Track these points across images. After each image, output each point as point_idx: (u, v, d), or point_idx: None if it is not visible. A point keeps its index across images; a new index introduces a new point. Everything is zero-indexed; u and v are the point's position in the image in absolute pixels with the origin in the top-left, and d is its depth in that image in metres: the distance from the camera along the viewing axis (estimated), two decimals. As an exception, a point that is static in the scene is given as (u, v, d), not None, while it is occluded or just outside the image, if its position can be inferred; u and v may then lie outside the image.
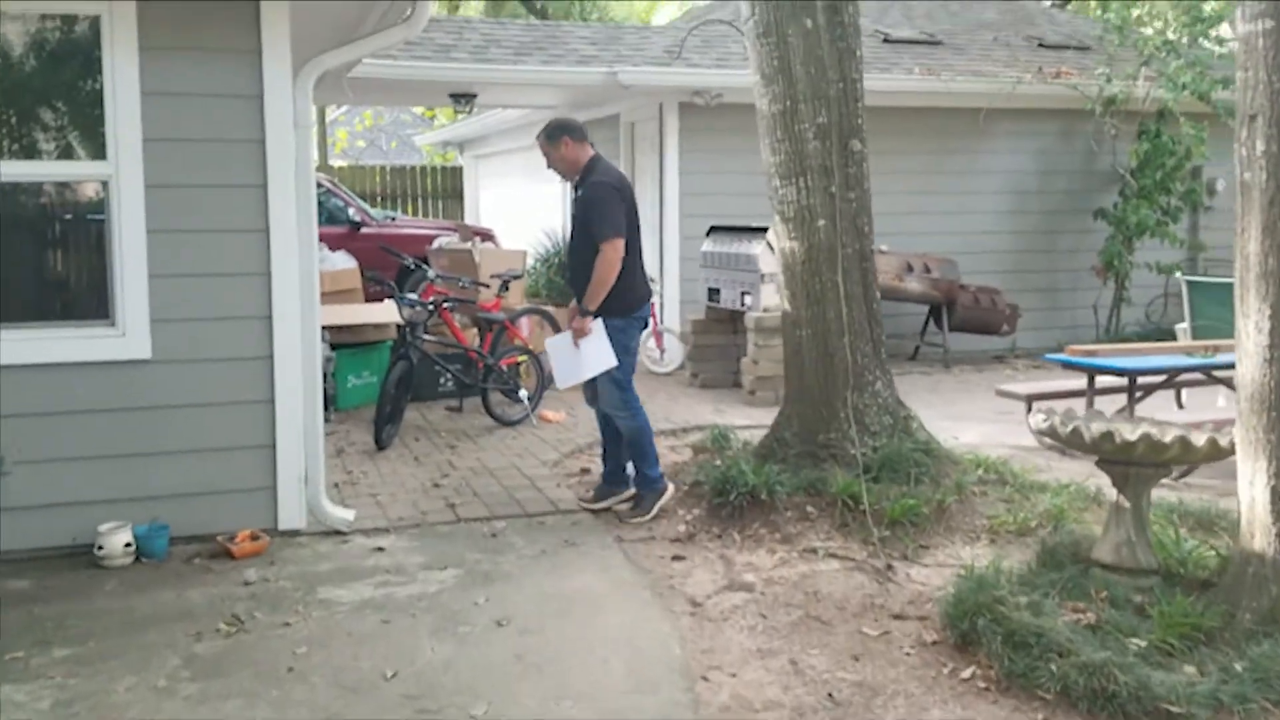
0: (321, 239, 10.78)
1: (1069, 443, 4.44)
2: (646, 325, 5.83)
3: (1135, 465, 4.38)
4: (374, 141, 25.33)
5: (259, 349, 5.26)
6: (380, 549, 5.27)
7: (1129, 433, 4.27)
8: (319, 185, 12.76)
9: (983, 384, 10.01)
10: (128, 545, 5.03)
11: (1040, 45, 12.14)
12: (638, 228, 5.60)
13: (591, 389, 5.79)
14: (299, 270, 5.31)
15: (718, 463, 6.21)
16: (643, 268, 5.74)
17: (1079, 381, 7.47)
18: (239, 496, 5.32)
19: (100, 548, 4.99)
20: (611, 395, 5.67)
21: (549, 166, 5.65)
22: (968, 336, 10.96)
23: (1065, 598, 4.22)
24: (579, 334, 5.53)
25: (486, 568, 5.00)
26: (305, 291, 5.39)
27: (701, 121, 10.35)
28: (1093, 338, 11.54)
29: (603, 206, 5.42)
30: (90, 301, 5.13)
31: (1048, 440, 7.30)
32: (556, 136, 5.55)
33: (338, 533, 5.47)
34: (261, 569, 4.98)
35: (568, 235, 5.71)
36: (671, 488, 5.80)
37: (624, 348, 5.59)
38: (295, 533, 5.41)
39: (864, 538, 5.18)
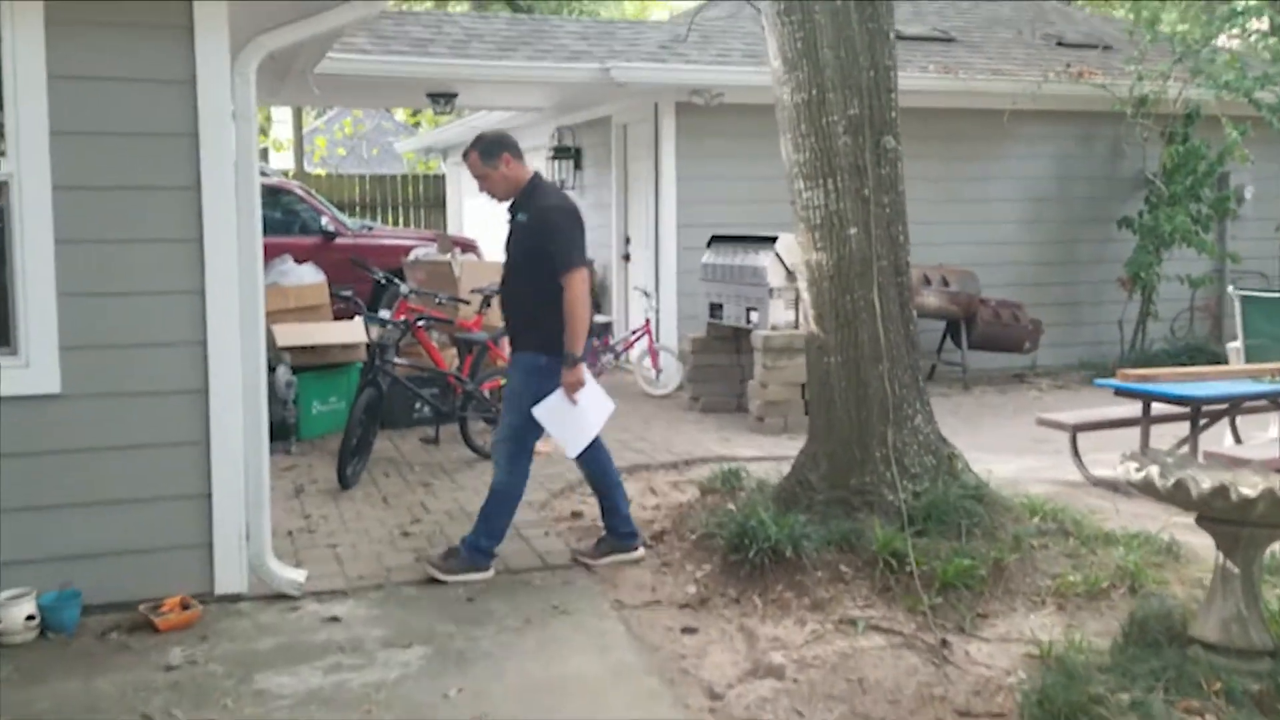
0: (292, 250, 10.04)
1: (1170, 498, 3.64)
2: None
3: (1250, 526, 3.59)
4: (354, 150, 24.48)
5: (191, 381, 4.43)
6: (335, 619, 4.43)
7: (1249, 488, 3.47)
8: (289, 192, 11.97)
9: (1008, 407, 9.23)
10: (30, 618, 4.20)
11: (1059, 44, 11.40)
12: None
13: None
14: (239, 287, 4.48)
15: (730, 507, 5.39)
16: None
17: (1126, 408, 6.68)
18: (167, 556, 4.49)
19: (-3, 621, 4.15)
20: (505, 435, 4.92)
21: (481, 189, 4.90)
22: (985, 354, 10.18)
23: (1172, 691, 3.42)
24: (574, 388, 4.74)
25: (460, 644, 4.17)
26: (247, 312, 4.56)
27: (700, 123, 9.56)
28: (1117, 355, 10.79)
29: (564, 234, 4.73)
30: (-15, 325, 4.30)
31: (1097, 475, 6.62)
32: (494, 153, 4.81)
33: (286, 597, 4.63)
34: (190, 647, 4.14)
35: (506, 263, 4.94)
36: (491, 573, 4.87)
37: (542, 389, 4.77)
38: (235, 598, 4.57)
39: (911, 605, 4.36)
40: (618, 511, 5.10)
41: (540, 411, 4.75)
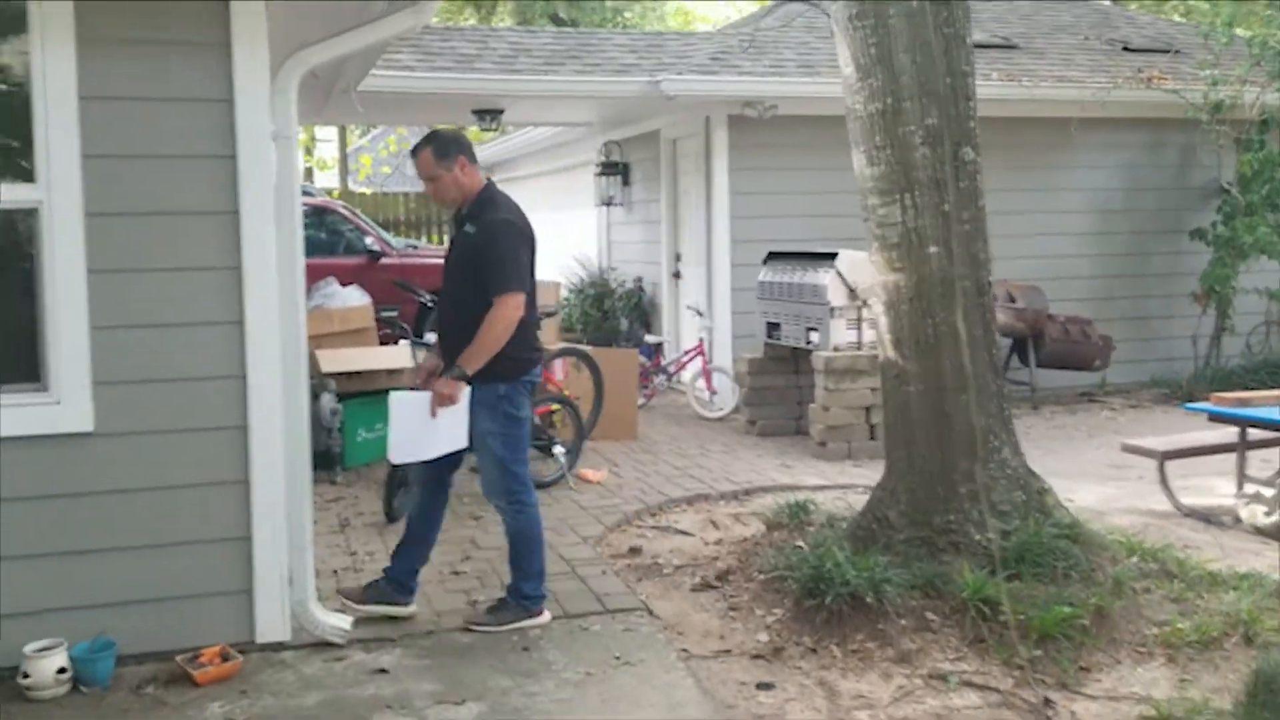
0: (337, 271, 9.84)
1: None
2: (534, 388, 4.65)
3: (1402, 578, 3.20)
4: (399, 168, 24.39)
5: (230, 416, 4.17)
6: (383, 670, 4.14)
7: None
8: (333, 212, 11.79)
9: (1080, 429, 8.81)
10: (61, 671, 3.94)
11: (1125, 49, 10.96)
12: (534, 274, 4.53)
13: (436, 466, 4.54)
14: (280, 317, 4.22)
15: (800, 545, 5.06)
16: (536, 323, 4.71)
17: (1217, 433, 6.27)
18: (206, 603, 4.22)
19: (27, 675, 3.90)
20: (493, 478, 4.49)
21: (434, 194, 4.49)
22: (1051, 372, 9.75)
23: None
24: (444, 401, 4.30)
25: (517, 701, 3.86)
26: (289, 343, 4.29)
27: (754, 137, 9.24)
28: (1191, 371, 10.31)
29: (504, 252, 4.31)
30: (14, 361, 4.05)
31: (1188, 505, 6.20)
32: (450, 154, 4.37)
33: (330, 645, 4.35)
34: (229, 702, 3.87)
35: (446, 278, 4.55)
36: (547, 616, 4.55)
37: (510, 417, 4.44)
38: (277, 646, 4.30)
39: (1006, 658, 4.00)
40: (532, 570, 4.57)
41: (396, 400, 4.44)
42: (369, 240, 11.40)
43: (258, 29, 4.05)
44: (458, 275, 4.45)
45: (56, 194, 3.94)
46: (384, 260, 11.30)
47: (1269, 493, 3.17)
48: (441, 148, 4.39)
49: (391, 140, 24.86)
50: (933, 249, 4.56)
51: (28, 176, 3.94)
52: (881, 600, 4.27)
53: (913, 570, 4.41)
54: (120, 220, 4.02)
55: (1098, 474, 7.11)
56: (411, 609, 4.59)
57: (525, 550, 4.55)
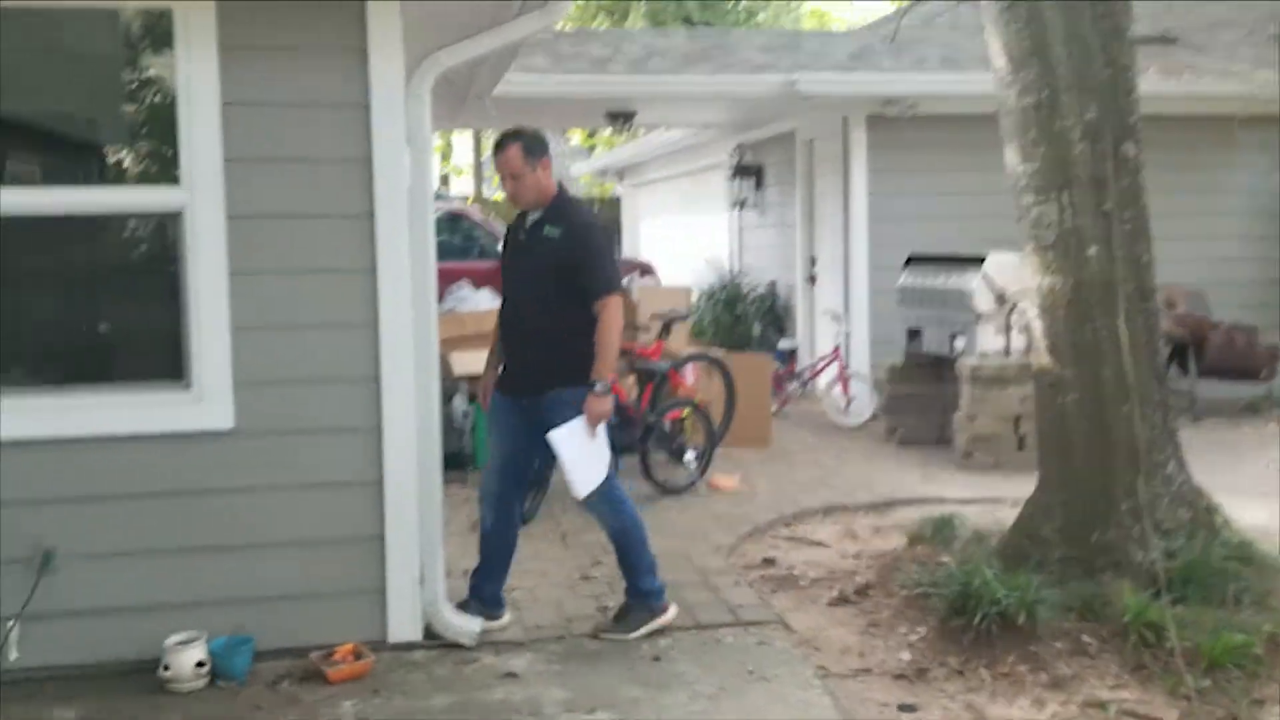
0: (469, 275, 9.97)
1: None
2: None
3: None
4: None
5: (364, 417, 4.18)
6: (512, 674, 4.09)
7: None
8: (467, 217, 11.97)
9: (1245, 443, 8.26)
10: (200, 665, 4.00)
11: (1295, 40, 10.26)
12: None
13: (502, 485, 4.50)
14: (414, 320, 4.21)
15: (945, 561, 4.83)
16: None
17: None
18: (340, 601, 4.24)
19: (167, 667, 3.97)
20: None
21: (514, 193, 4.32)
22: (1212, 382, 9.17)
23: None
24: (600, 419, 4.22)
25: (648, 713, 3.75)
26: (422, 345, 4.29)
27: (893, 136, 8.96)
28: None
29: (601, 254, 4.32)
30: (159, 359, 4.16)
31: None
32: (536, 153, 4.26)
33: (461, 647, 4.32)
34: (362, 701, 3.87)
35: (515, 282, 4.42)
36: (674, 611, 4.45)
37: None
38: (409, 646, 4.29)
39: (1171, 688, 3.71)
40: (643, 564, 4.48)
41: (558, 437, 4.22)
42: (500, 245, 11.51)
43: (393, 32, 4.06)
44: (533, 279, 4.31)
45: (200, 197, 4.00)
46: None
47: None
48: (529, 145, 4.26)
49: (526, 147, 25.23)
50: (1092, 250, 4.29)
51: (173, 179, 4.02)
52: (1034, 622, 4.02)
53: (1068, 591, 4.15)
54: (260, 223, 4.07)
55: (1265, 490, 6.62)
56: (505, 619, 4.54)
57: (632, 546, 4.48)
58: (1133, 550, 4.20)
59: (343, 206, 4.10)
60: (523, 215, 4.41)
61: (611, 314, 4.21)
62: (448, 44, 4.24)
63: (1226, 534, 4.38)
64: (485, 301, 8.30)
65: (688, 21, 18.32)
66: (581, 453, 4.26)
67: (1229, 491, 6.22)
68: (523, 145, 4.23)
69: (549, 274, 4.26)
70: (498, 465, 4.49)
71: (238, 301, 4.06)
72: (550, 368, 4.27)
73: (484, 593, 4.53)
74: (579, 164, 20.98)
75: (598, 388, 4.20)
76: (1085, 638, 4.01)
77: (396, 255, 4.14)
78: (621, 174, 17.31)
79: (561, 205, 4.34)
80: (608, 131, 10.73)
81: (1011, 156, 4.53)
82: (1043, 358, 4.48)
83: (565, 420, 4.22)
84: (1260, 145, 9.67)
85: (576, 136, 26.64)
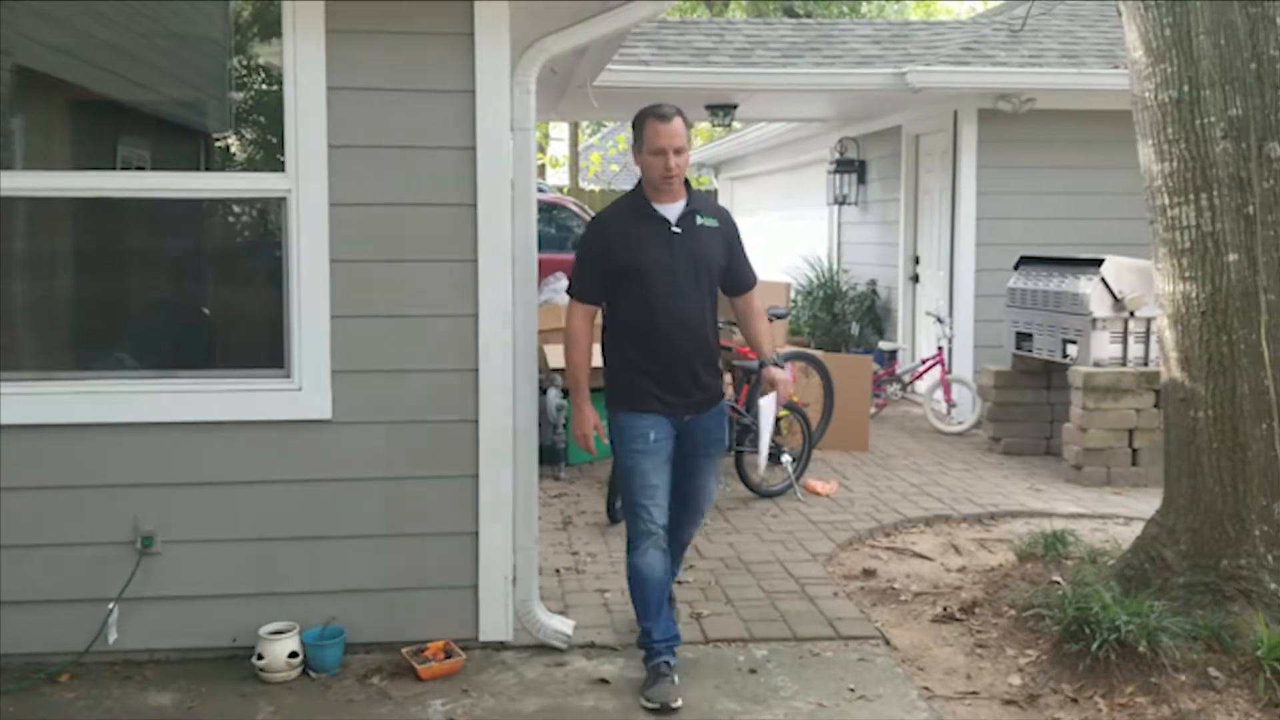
0: (565, 267, 9.85)
1: None
2: None
3: None
4: (627, 165, 24.63)
5: (461, 409, 4.11)
6: (604, 681, 3.98)
7: None
8: (564, 209, 11.90)
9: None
10: (293, 655, 3.98)
11: None
12: None
13: (665, 510, 3.94)
14: (514, 311, 4.13)
15: (1057, 580, 4.59)
16: None
17: None
18: (432, 597, 4.18)
19: (261, 656, 3.96)
20: (711, 494, 4.22)
21: (674, 169, 3.80)
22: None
23: None
24: (775, 384, 4.16)
25: (743, 729, 3.61)
26: (521, 337, 4.21)
27: (1005, 132, 8.62)
28: None
29: (743, 245, 4.16)
30: (259, 346, 4.15)
31: None
32: (689, 130, 4.01)
33: (552, 649, 4.23)
34: (451, 700, 3.81)
35: (676, 277, 3.86)
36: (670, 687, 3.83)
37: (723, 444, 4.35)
38: (499, 646, 4.21)
39: (1311, 731, 3.44)
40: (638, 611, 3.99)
41: (766, 405, 4.31)
42: (597, 237, 11.43)
43: (500, 18, 3.97)
44: (699, 278, 3.91)
45: (303, 184, 3.97)
46: (612, 257, 11.31)
47: None
48: (687, 120, 3.93)
49: (621, 139, 25.13)
50: (1232, 256, 4.00)
51: (277, 166, 3.99)
52: (1156, 650, 3.77)
53: (1193, 619, 3.89)
54: (361, 210, 4.02)
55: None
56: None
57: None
58: (1266, 579, 3.91)
59: (445, 195, 4.03)
60: (639, 203, 3.91)
61: (759, 304, 4.22)
62: (554, 30, 4.13)
63: (1371, 565, 4.06)
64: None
65: (791, 14, 18.03)
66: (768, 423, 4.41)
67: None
68: (684, 119, 3.88)
69: (716, 271, 3.98)
70: (663, 500, 3.91)
71: (338, 290, 4.02)
72: (716, 375, 4.05)
73: (661, 639, 3.94)
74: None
75: (775, 360, 4.16)
76: (1212, 670, 3.75)
77: (498, 245, 4.05)
78: (718, 168, 17.11)
79: (697, 194, 4.01)
80: (707, 124, 10.51)
81: (1146, 154, 4.26)
82: (1173, 370, 4.20)
83: (724, 430, 4.20)
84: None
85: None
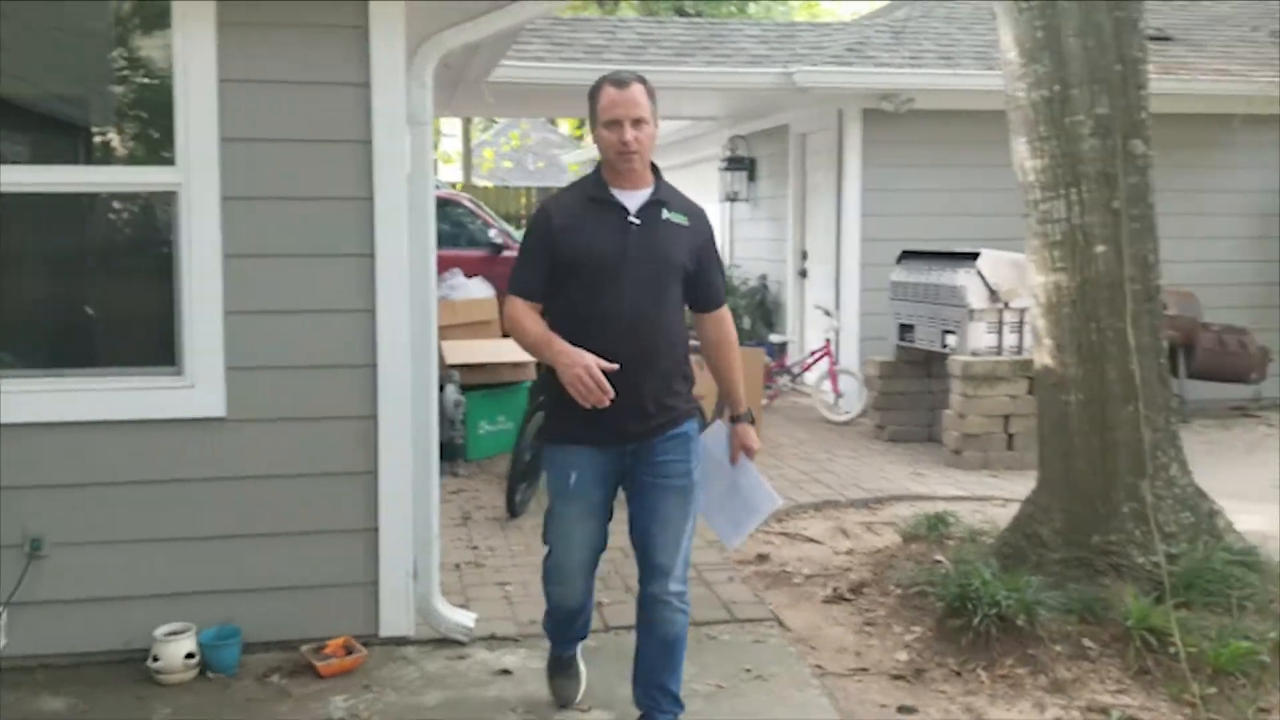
0: (460, 263, 9.86)
1: None
2: None
3: None
4: (520, 162, 24.59)
5: (360, 406, 4.10)
6: (506, 671, 4.02)
7: None
8: (458, 205, 11.83)
9: (1237, 445, 8.26)
10: (189, 656, 3.92)
11: (1291, 41, 10.27)
12: None
13: (594, 551, 3.46)
14: (412, 306, 4.13)
15: (940, 559, 4.79)
16: None
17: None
18: (331, 594, 4.16)
19: (156, 658, 3.89)
20: (677, 536, 3.33)
21: (632, 146, 3.13)
22: (1204, 384, 9.18)
23: None
24: (751, 452, 3.44)
25: (645, 712, 3.69)
26: (419, 333, 4.21)
27: (888, 132, 8.91)
28: (1354, 388, 9.61)
29: (718, 253, 3.43)
30: (149, 343, 4.06)
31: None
32: (655, 103, 3.24)
33: (453, 642, 4.25)
34: (353, 696, 3.80)
35: (631, 279, 3.20)
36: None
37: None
38: (401, 641, 4.21)
39: (1175, 694, 3.67)
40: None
41: (708, 465, 3.42)
42: (492, 233, 11.42)
43: (394, 13, 3.96)
44: (657, 280, 3.22)
45: (194, 177, 3.91)
46: (506, 254, 11.31)
47: None
48: (651, 91, 3.23)
49: (514, 135, 25.08)
50: (1100, 248, 4.24)
51: (167, 159, 3.92)
52: (1034, 624, 3.98)
53: (1068, 593, 4.11)
54: (255, 204, 3.97)
55: (1260, 495, 6.60)
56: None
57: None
58: (1134, 553, 4.16)
59: (342, 189, 4.00)
60: (595, 187, 3.26)
61: (731, 324, 3.45)
62: (450, 25, 4.14)
63: (1230, 538, 4.35)
64: (478, 290, 8.22)
65: (681, 13, 18.22)
66: (726, 496, 3.51)
67: (1224, 495, 6.21)
68: (647, 88, 3.21)
69: (678, 274, 3.25)
70: (580, 564, 3.43)
71: (231, 285, 3.97)
72: (678, 395, 3.30)
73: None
74: (569, 153, 20.87)
75: (748, 417, 3.45)
76: (1086, 641, 3.97)
77: (396, 240, 4.05)
78: (611, 164, 17.18)
79: (668, 185, 3.32)
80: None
81: (1019, 151, 4.48)
82: (1046, 357, 4.43)
83: (689, 458, 3.30)
84: (1256, 145, 9.65)
85: (565, 125, 26.54)
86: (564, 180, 22.59)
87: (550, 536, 3.43)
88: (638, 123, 3.15)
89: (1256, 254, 9.82)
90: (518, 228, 15.56)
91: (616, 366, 3.07)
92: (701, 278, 3.33)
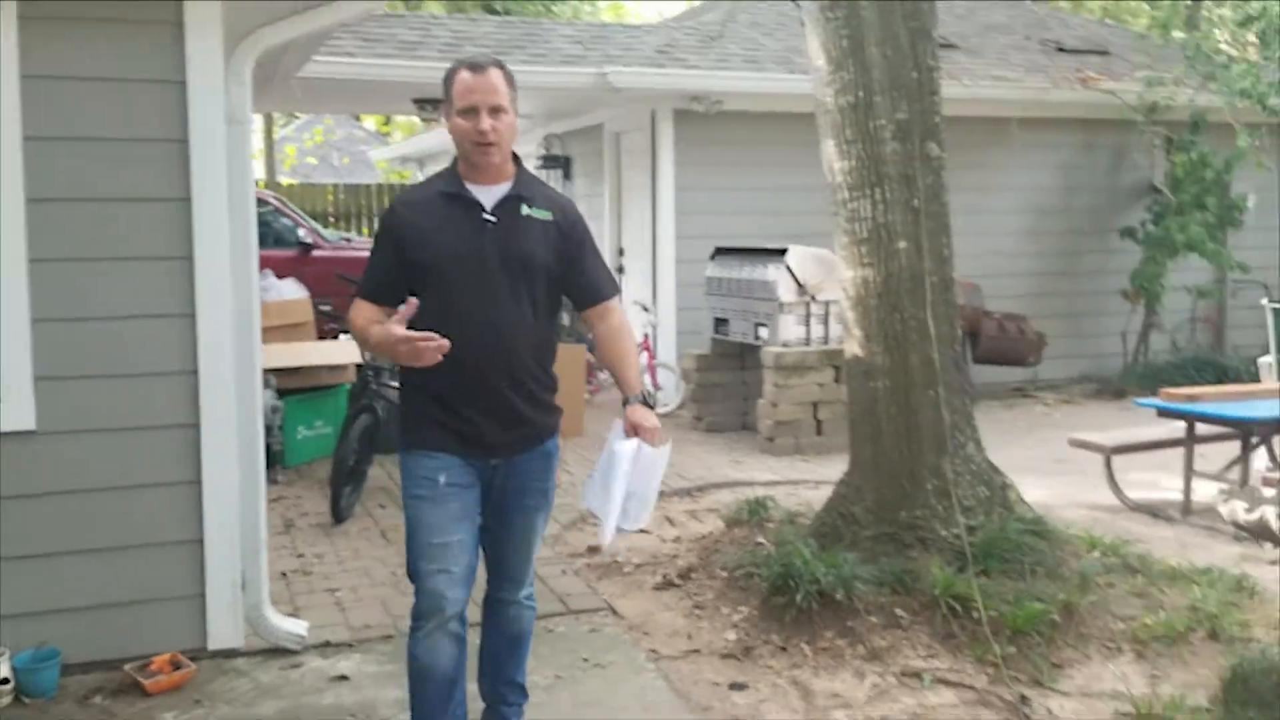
0: (267, 264, 9.55)
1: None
2: None
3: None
4: (325, 159, 23.94)
5: (180, 414, 3.98)
6: (343, 677, 4.00)
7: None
8: (264, 203, 11.43)
9: (1018, 424, 8.92)
10: (4, 682, 3.74)
11: (1060, 50, 11.13)
12: None
13: (468, 575, 3.07)
14: (234, 310, 4.04)
15: (762, 542, 5.02)
16: None
17: (1163, 428, 6.37)
18: (156, 609, 4.03)
19: (-36, 686, 3.69)
20: (527, 557, 3.30)
21: (489, 134, 2.92)
22: (984, 368, 9.87)
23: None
24: (644, 430, 3.08)
25: (487, 707, 3.74)
26: (242, 338, 4.12)
27: (700, 131, 9.18)
28: (1120, 367, 10.54)
29: (594, 245, 3.21)
30: (-51, 355, 3.83)
31: (1135, 500, 6.28)
32: (515, 89, 3.03)
33: (286, 651, 4.19)
34: (184, 712, 3.71)
35: (487, 283, 3.00)
36: None
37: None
38: (230, 654, 4.12)
39: (979, 655, 3.99)
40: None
41: (623, 450, 3.10)
42: (301, 232, 11.13)
43: (211, 9, 3.87)
44: (519, 282, 3.00)
45: (-5, 178, 3.71)
46: (316, 253, 11.05)
47: (1271, 493, 3.23)
48: (510, 77, 3.02)
49: (318, 131, 24.39)
50: (902, 244, 4.55)
51: (-37, 159, 3.71)
52: (851, 597, 4.24)
53: (880, 567, 4.39)
54: (65, 206, 3.81)
55: (1041, 469, 7.17)
56: None
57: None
58: (938, 527, 4.49)
59: (157, 189, 3.88)
60: (448, 182, 3.05)
61: (625, 319, 3.23)
62: (270, 22, 4.06)
63: (1021, 509, 4.74)
64: (291, 291, 8.01)
65: (491, 11, 18.14)
66: (631, 479, 3.14)
67: (1011, 470, 6.71)
68: (505, 73, 2.99)
69: (540, 275, 3.03)
70: (458, 563, 3.01)
71: (38, 292, 3.79)
72: (542, 406, 3.11)
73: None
74: (376, 150, 20.47)
75: (644, 399, 3.15)
76: (898, 611, 4.26)
77: (215, 241, 3.95)
78: (423, 162, 16.98)
79: (532, 178, 3.13)
80: (415, 118, 10.48)
81: (828, 153, 4.74)
82: (855, 346, 4.72)
83: (550, 477, 3.19)
84: (1031, 145, 10.42)
85: (371, 120, 26.00)
86: (371, 177, 22.15)
87: (420, 554, 3.01)
88: (495, 111, 2.92)
89: (1031, 247, 10.61)
90: (326, 226, 15.19)
91: (446, 342, 2.78)
92: (575, 275, 3.10)
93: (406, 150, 16.11)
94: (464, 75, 2.95)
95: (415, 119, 10.75)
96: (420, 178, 17.38)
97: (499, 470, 3.07)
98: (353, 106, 14.16)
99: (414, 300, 2.85)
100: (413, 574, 3.04)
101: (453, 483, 3.00)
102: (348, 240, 12.52)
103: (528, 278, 3.01)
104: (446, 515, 3.00)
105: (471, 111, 2.92)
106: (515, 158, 3.08)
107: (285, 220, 11.16)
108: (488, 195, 3.00)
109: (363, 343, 3.15)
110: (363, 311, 3.03)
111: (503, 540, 3.19)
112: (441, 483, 2.98)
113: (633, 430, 3.07)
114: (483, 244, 2.97)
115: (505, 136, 2.96)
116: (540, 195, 3.10)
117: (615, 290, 3.24)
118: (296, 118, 26.24)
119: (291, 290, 8.19)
